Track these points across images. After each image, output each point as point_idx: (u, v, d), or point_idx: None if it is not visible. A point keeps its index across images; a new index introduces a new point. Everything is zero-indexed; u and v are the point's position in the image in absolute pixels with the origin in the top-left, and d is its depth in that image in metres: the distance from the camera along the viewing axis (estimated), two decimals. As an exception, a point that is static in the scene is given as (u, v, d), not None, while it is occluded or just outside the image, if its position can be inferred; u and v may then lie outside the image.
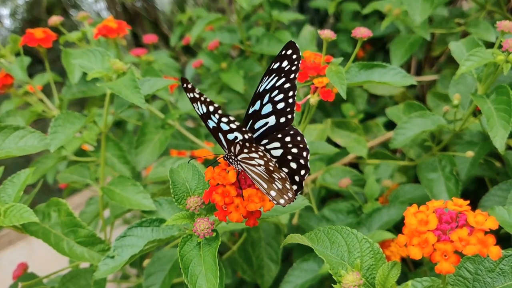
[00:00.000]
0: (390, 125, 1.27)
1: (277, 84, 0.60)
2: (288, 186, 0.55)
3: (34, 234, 0.72)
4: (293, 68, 0.60)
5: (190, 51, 2.31)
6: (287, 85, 0.60)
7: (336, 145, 1.26)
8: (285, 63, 0.60)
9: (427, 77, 1.50)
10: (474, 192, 1.29)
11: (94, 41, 1.10)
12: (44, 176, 1.10)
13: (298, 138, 0.59)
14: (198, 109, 0.56)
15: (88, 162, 1.02)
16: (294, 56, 0.60)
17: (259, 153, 0.55)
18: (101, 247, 0.74)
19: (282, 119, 0.60)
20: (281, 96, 0.60)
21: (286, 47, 0.60)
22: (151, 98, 1.32)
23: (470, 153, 0.91)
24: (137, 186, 0.82)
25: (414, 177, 1.21)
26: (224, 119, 0.55)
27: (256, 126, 0.61)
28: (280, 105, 0.60)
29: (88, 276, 0.78)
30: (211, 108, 0.54)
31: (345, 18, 1.69)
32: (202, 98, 0.54)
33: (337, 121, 1.27)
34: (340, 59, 0.85)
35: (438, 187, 0.92)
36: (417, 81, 1.48)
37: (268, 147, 0.60)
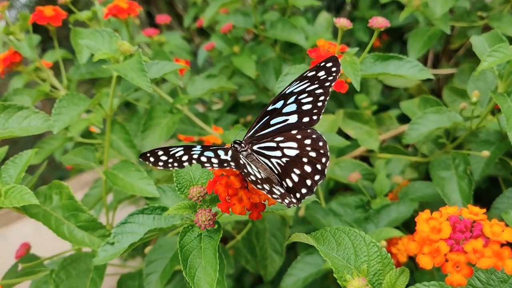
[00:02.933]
0: (404, 118, 1.23)
1: (308, 89, 0.59)
2: (308, 183, 0.56)
3: (35, 216, 0.71)
4: (330, 78, 0.59)
5: (204, 32, 2.28)
6: (319, 91, 0.59)
7: (347, 136, 1.23)
8: (321, 73, 0.59)
9: (444, 70, 1.46)
10: (486, 191, 1.26)
11: (104, 21, 1.07)
12: (51, 155, 1.08)
13: (320, 144, 0.57)
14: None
15: (94, 144, 1.01)
16: (334, 69, 0.59)
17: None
18: (101, 232, 0.73)
19: (306, 119, 0.59)
20: (310, 99, 0.59)
21: (326, 60, 0.59)
22: (161, 80, 1.30)
23: (485, 153, 0.88)
24: (141, 172, 0.80)
25: (425, 172, 1.18)
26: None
27: (273, 122, 0.61)
28: (307, 107, 0.59)
29: (89, 260, 0.77)
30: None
31: (362, 6, 1.64)
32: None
33: (350, 112, 1.24)
34: (355, 49, 0.82)
35: (450, 186, 0.90)
36: (434, 74, 1.45)
37: (282, 145, 0.58)
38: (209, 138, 1.21)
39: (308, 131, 0.59)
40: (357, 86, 0.74)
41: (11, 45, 1.01)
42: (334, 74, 0.59)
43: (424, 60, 1.66)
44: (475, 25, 1.24)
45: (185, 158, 0.52)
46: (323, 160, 0.56)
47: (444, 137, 0.97)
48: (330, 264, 0.47)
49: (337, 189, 1.40)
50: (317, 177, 0.56)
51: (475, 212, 0.44)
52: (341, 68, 0.59)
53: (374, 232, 0.87)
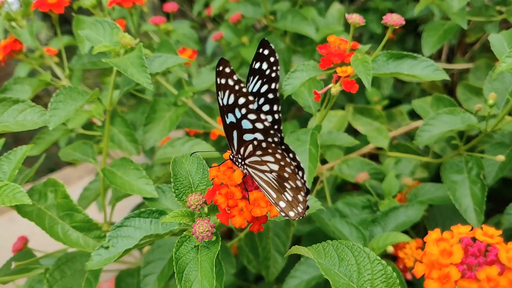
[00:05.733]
0: (415, 114, 1.20)
1: (262, 90, 0.53)
2: (300, 198, 0.50)
3: (28, 215, 0.69)
4: (273, 75, 0.53)
5: (218, 18, 2.24)
6: (270, 96, 0.53)
7: (356, 132, 1.20)
8: (264, 66, 0.52)
9: (459, 65, 1.41)
10: (498, 191, 1.22)
11: (108, 9, 1.04)
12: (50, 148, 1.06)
13: (291, 155, 0.52)
14: (223, 99, 0.49)
15: (95, 136, 0.98)
16: (272, 60, 0.52)
17: (276, 155, 0.49)
18: (97, 233, 0.70)
19: (270, 139, 0.52)
20: (267, 107, 0.54)
21: (261, 45, 0.52)
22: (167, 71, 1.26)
23: (501, 157, 0.84)
24: (140, 171, 0.77)
25: (436, 171, 1.14)
26: (252, 116, 0.49)
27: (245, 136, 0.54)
28: (269, 119, 0.53)
29: (84, 260, 0.74)
30: (242, 101, 0.48)
31: (376, -4, 1.59)
32: (237, 87, 0.47)
33: (360, 107, 1.20)
34: (367, 46, 0.78)
35: (461, 191, 0.86)
36: (448, 69, 1.40)
37: (264, 159, 0.52)
38: (215, 132, 1.18)
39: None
40: (368, 86, 0.70)
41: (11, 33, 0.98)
42: (274, 68, 0.52)
43: (438, 54, 1.61)
44: (493, 19, 1.19)
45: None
46: (300, 173, 0.51)
47: (457, 138, 0.93)
48: (331, 283, 0.44)
49: (345, 185, 1.37)
50: (303, 193, 0.52)
51: (490, 234, 0.40)
52: (277, 57, 0.52)
53: (381, 236, 0.84)
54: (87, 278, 0.73)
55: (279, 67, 0.53)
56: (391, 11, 1.55)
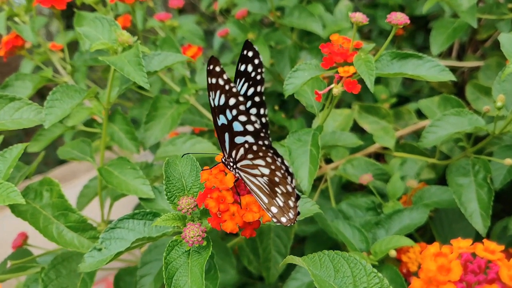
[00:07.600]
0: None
1: (248, 93, 0.52)
2: (291, 204, 0.49)
3: (22, 215, 0.68)
4: (258, 77, 0.51)
5: (228, 12, 2.21)
6: (257, 99, 0.52)
7: (362, 130, 1.18)
8: (250, 68, 0.51)
9: (469, 63, 1.38)
10: (508, 192, 1.19)
11: (111, 5, 1.03)
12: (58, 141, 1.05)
13: (279, 160, 0.49)
14: (214, 99, 0.48)
15: (95, 134, 0.97)
16: (256, 62, 0.51)
17: (267, 159, 0.47)
18: (92, 233, 0.69)
19: (260, 142, 0.51)
20: (254, 110, 0.53)
21: (245, 47, 0.51)
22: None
23: (509, 161, 0.82)
24: (137, 170, 0.76)
25: (443, 172, 1.11)
26: (242, 118, 0.47)
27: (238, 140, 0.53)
28: (257, 124, 0.51)
29: (80, 260, 0.73)
30: (232, 101, 0.47)
31: (386, -9, 1.56)
32: (227, 87, 0.46)
33: (366, 106, 1.18)
34: (371, 46, 0.76)
35: (468, 195, 0.84)
36: (458, 67, 1.37)
37: (255, 162, 0.50)
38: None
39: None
40: (371, 88, 0.68)
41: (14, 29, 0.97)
42: (259, 71, 0.51)
43: (448, 50, 1.58)
44: (505, 17, 1.16)
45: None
46: (289, 179, 0.49)
47: (464, 140, 0.91)
48: (324, 296, 0.42)
49: (351, 183, 1.35)
50: (293, 198, 0.50)
51: (491, 250, 0.38)
52: (262, 59, 0.51)
53: (384, 240, 0.82)
54: (83, 278, 0.72)
55: (263, 70, 0.52)
56: (401, 7, 1.52)
